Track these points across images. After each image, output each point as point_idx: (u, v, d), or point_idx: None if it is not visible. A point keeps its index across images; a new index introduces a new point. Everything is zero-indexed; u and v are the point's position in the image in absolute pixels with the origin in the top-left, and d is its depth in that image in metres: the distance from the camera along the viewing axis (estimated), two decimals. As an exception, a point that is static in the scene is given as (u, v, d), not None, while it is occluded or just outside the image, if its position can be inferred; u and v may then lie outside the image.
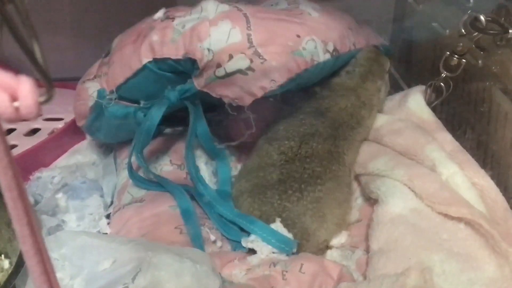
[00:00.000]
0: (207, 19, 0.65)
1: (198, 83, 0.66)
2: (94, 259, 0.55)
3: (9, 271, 0.59)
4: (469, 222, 0.59)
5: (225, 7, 0.67)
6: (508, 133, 0.66)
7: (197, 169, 0.71)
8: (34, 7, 0.89)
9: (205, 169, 0.74)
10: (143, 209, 0.67)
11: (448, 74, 0.73)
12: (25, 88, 0.21)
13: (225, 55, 0.63)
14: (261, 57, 0.63)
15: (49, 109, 0.95)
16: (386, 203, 0.62)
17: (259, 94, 0.64)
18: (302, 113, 0.71)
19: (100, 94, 0.71)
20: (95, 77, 0.74)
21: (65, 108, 0.89)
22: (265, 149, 0.69)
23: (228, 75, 0.64)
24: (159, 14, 0.69)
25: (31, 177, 0.78)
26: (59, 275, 0.55)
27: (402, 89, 0.87)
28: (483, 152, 0.71)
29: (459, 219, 0.59)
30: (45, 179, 0.76)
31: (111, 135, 0.79)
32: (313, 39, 0.66)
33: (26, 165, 0.79)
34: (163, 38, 0.66)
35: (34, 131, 0.91)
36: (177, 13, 0.68)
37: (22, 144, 0.85)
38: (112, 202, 0.73)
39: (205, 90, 0.66)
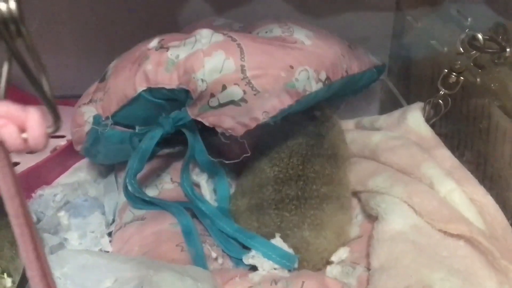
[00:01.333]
0: (201, 50, 0.65)
1: (191, 112, 0.67)
2: (95, 278, 0.56)
3: (12, 290, 0.59)
4: (469, 239, 0.59)
5: (219, 37, 0.67)
6: (507, 151, 0.66)
7: (192, 188, 0.72)
8: (38, 24, 0.90)
9: (206, 187, 0.74)
10: (144, 227, 0.67)
11: (446, 91, 0.74)
12: (33, 120, 0.22)
13: (219, 85, 0.64)
14: (254, 89, 0.64)
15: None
16: (386, 220, 0.63)
17: (252, 125, 0.65)
18: (301, 136, 0.72)
19: (96, 120, 0.72)
20: (90, 101, 0.75)
21: (67, 126, 0.90)
22: (264, 170, 0.69)
23: (221, 105, 0.64)
24: (154, 43, 0.70)
25: (33, 194, 0.78)
26: (61, 294, 0.56)
27: (401, 106, 0.87)
28: (482, 169, 0.71)
29: (459, 236, 0.59)
30: (47, 197, 0.76)
31: (109, 158, 0.80)
32: (306, 69, 0.67)
33: (28, 183, 0.79)
34: (157, 68, 0.67)
35: (36, 148, 0.92)
36: (171, 42, 0.69)
37: (24, 162, 0.85)
38: (113, 220, 0.73)
39: (198, 119, 0.67)
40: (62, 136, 0.93)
